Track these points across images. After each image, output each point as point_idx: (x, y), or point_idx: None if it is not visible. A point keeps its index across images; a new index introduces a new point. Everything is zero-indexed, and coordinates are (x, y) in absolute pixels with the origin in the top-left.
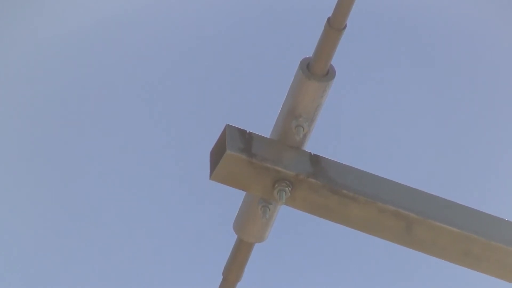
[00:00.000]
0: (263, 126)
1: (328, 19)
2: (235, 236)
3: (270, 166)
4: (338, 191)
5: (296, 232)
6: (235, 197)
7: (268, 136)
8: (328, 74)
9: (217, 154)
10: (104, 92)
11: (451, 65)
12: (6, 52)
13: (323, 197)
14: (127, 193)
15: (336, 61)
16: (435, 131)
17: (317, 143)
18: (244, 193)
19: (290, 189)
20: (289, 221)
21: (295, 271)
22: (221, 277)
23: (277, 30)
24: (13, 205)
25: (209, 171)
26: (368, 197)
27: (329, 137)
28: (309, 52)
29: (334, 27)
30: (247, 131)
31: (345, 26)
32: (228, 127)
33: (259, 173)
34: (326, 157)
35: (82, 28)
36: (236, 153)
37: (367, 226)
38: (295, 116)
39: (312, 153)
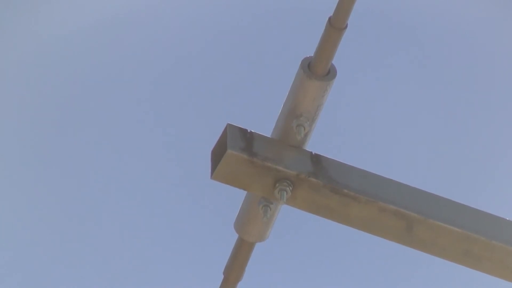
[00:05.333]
0: (264, 125)
1: (329, 18)
2: (236, 236)
3: (271, 166)
4: (339, 191)
5: (297, 231)
6: (236, 197)
7: (269, 136)
8: (329, 74)
9: (218, 153)
10: (105, 92)
11: (452, 64)
12: (6, 52)
13: (324, 197)
14: (128, 192)
15: (337, 60)
16: (435, 131)
17: (318, 142)
18: (245, 192)
19: (291, 188)
20: (290, 220)
21: (296, 271)
22: (221, 277)
23: (278, 29)
24: (13, 205)
25: (210, 170)
26: (368, 196)
27: (330, 137)
28: (310, 52)
29: (335, 26)
30: (248, 131)
31: (346, 26)
32: (229, 127)
33: (260, 173)
34: (327, 156)
35: (82, 28)
36: (237, 153)
37: (367, 226)
38: (296, 116)
39: (313, 153)
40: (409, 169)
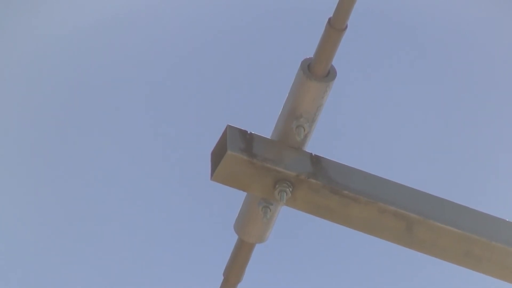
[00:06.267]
0: (264, 126)
1: (329, 19)
2: (236, 237)
3: (271, 167)
4: (339, 192)
5: (297, 232)
6: (236, 198)
7: (269, 137)
8: (329, 75)
9: (218, 154)
10: (105, 92)
11: (452, 65)
12: (6, 52)
13: (323, 198)
14: (128, 193)
15: (337, 61)
16: (435, 131)
17: (317, 143)
18: (245, 193)
19: (290, 189)
20: (289, 221)
21: (296, 272)
22: (221, 278)
23: (278, 30)
24: (13, 205)
25: (210, 171)
26: (368, 197)
27: (330, 138)
28: (310, 53)
29: (335, 27)
30: (248, 132)
31: (346, 27)
32: (229, 128)
33: (260, 174)
34: (327, 157)
35: (82, 28)
36: (237, 154)
37: (367, 227)
38: (296, 117)
39: (312, 154)
40: (409, 170)
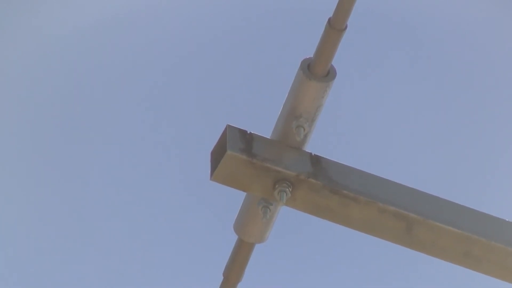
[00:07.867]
0: (263, 126)
1: (329, 19)
2: (236, 237)
3: (270, 167)
4: (339, 192)
5: (297, 232)
6: (235, 198)
7: (268, 137)
8: (329, 75)
9: (217, 154)
10: (105, 92)
11: (452, 65)
12: (6, 52)
13: (323, 198)
14: (128, 193)
15: (337, 61)
16: (435, 131)
17: (317, 143)
18: (244, 193)
19: (290, 189)
20: (289, 221)
21: (296, 272)
22: (221, 278)
23: (278, 30)
24: (14, 205)
25: (209, 171)
26: (368, 197)
27: (330, 138)
28: (310, 53)
29: (335, 27)
30: (248, 132)
31: (346, 27)
32: (228, 128)
33: (260, 174)
34: (327, 157)
35: (82, 28)
36: (237, 154)
37: (367, 227)
38: (296, 117)
39: (312, 154)
40: (409, 170)
